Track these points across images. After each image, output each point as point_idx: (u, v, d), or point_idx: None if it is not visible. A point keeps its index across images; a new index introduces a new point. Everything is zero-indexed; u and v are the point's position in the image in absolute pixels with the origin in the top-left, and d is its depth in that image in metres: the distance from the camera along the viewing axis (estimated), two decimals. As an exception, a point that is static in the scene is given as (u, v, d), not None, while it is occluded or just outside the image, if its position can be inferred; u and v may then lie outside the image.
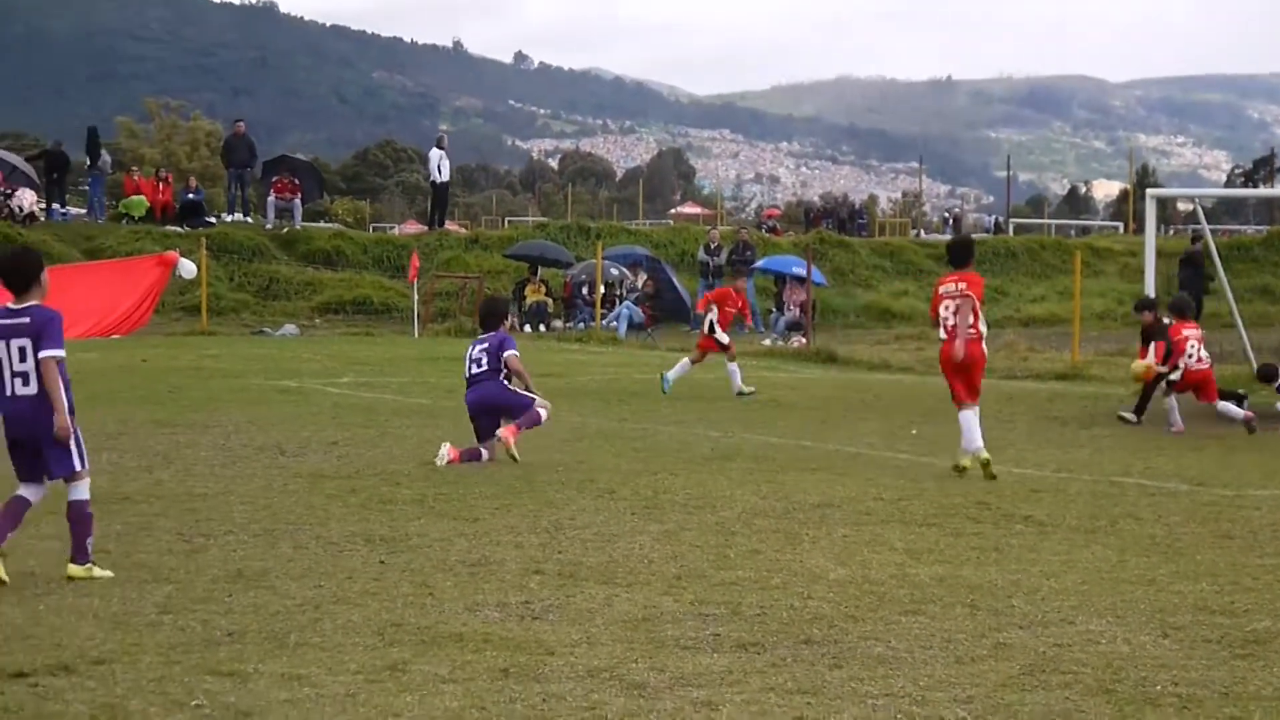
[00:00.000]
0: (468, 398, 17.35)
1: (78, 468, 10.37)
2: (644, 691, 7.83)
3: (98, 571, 10.31)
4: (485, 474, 15.62)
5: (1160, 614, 9.76)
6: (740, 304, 26.90)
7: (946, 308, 16.55)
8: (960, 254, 17.29)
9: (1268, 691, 8.01)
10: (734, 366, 25.79)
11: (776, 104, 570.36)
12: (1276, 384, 23.27)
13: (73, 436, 10.32)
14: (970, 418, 16.46)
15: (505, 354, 17.18)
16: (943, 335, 16.77)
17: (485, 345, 17.32)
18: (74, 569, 10.26)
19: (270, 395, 23.85)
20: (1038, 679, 8.16)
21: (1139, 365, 22.70)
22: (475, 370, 17.25)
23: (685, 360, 26.08)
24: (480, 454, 16.71)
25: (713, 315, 26.35)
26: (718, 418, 22.06)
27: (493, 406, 17.13)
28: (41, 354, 10.14)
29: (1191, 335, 22.25)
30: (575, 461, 16.77)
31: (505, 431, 16.79)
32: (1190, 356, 22.00)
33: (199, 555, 11.14)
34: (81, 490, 10.40)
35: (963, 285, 16.58)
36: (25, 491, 10.42)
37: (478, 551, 11.45)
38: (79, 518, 10.37)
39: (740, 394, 25.16)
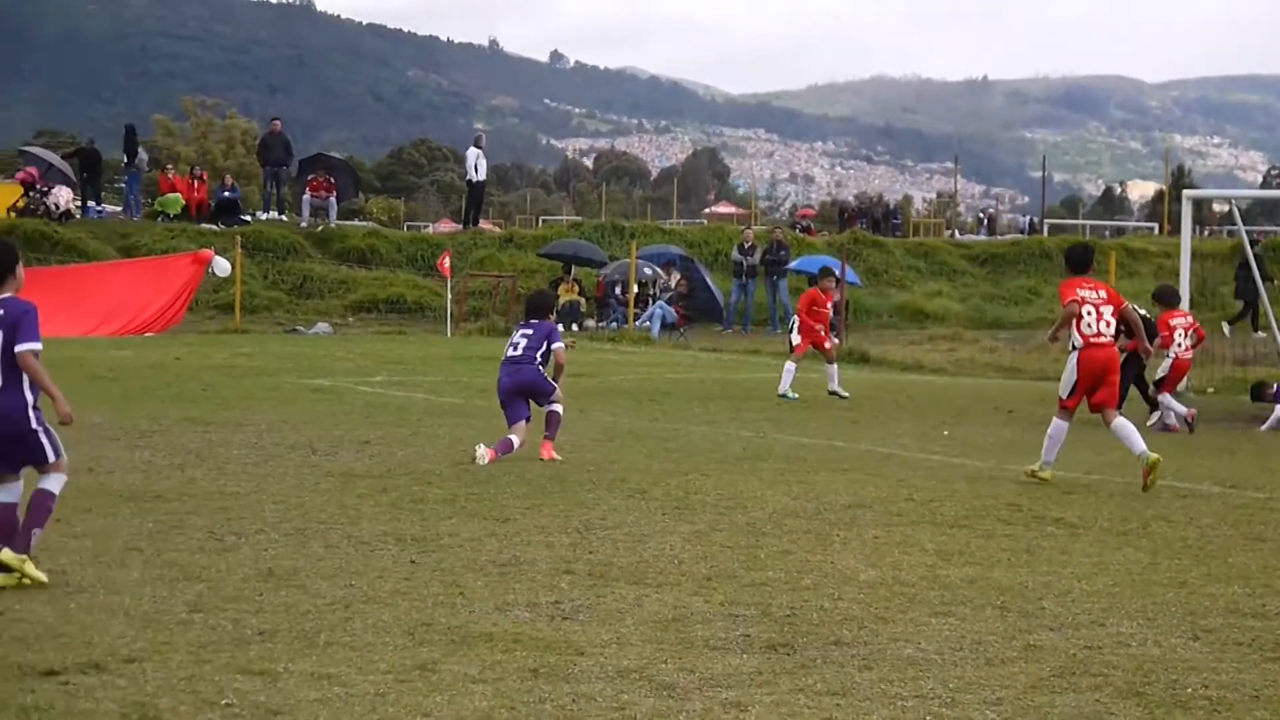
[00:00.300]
0: (504, 381, 17.27)
1: (51, 458, 10.23)
2: (673, 692, 7.83)
3: (31, 569, 9.93)
4: (516, 473, 15.63)
5: (1191, 616, 9.74)
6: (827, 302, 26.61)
7: (1090, 313, 16.08)
8: (1087, 258, 17.13)
9: (1298, 695, 7.99)
10: (833, 368, 25.84)
11: (812, 103, 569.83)
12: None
13: (42, 429, 10.15)
14: (1125, 423, 16.15)
15: (555, 345, 17.19)
16: (1080, 342, 16.12)
17: (530, 332, 17.27)
18: (8, 555, 9.86)
19: (302, 394, 23.89)
20: (1068, 681, 8.15)
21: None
22: (513, 353, 17.18)
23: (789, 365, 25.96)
24: (513, 444, 16.72)
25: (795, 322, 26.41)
26: (750, 418, 22.05)
27: (526, 389, 17.15)
28: (19, 348, 9.92)
29: (1180, 324, 22.36)
30: (606, 461, 16.79)
31: (545, 452, 16.87)
32: (1179, 345, 22.14)
33: (230, 554, 11.15)
34: (52, 483, 10.15)
35: (1103, 293, 16.27)
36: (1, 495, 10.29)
37: (508, 551, 11.46)
38: (39, 507, 10.09)
39: (833, 394, 25.22)
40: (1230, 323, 43.44)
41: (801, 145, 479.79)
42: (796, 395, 25.25)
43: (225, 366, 28.45)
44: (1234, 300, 46.13)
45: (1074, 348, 16.15)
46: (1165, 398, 22.28)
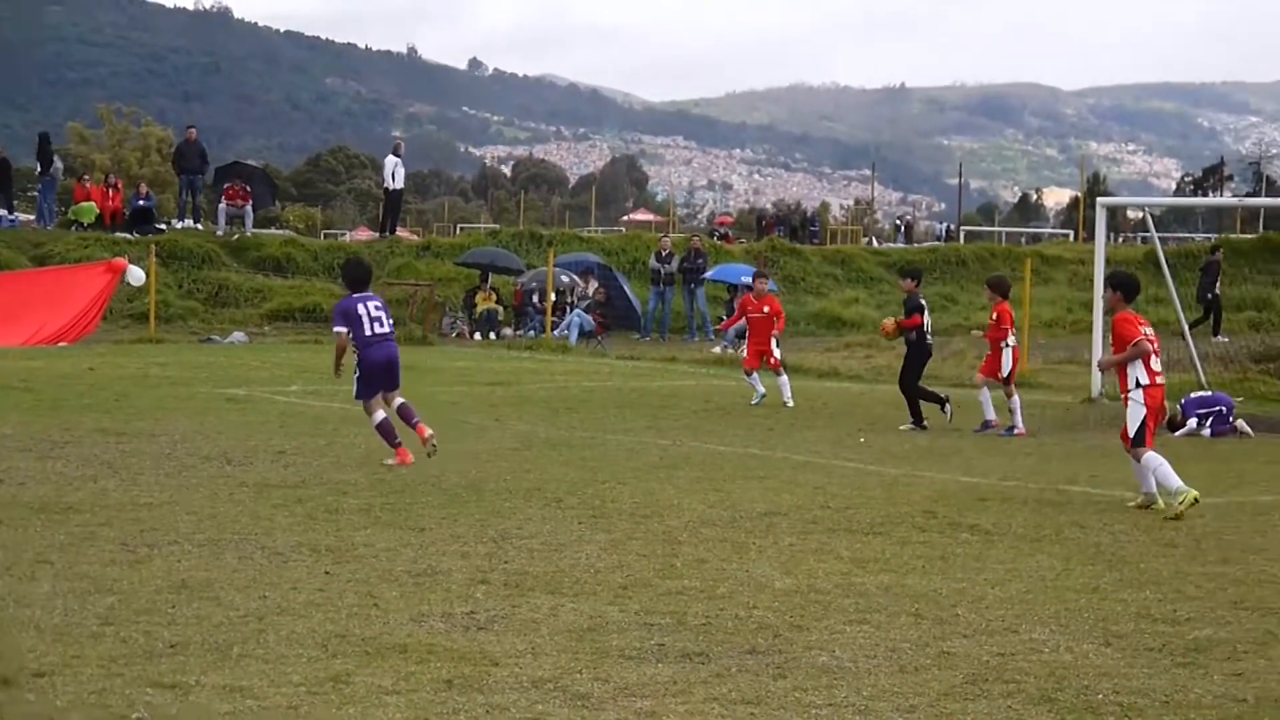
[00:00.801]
0: (380, 355, 17.44)
1: None
2: (588, 702, 7.83)
3: None
4: (432, 483, 15.58)
5: (1103, 622, 9.81)
6: (763, 307, 26.56)
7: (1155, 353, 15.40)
8: (1137, 289, 15.98)
9: (1208, 700, 8.05)
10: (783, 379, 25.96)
11: (730, 111, 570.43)
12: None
13: None
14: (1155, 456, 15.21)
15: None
16: (1148, 381, 15.23)
17: (380, 305, 17.67)
18: None
19: (218, 404, 23.75)
20: (980, 688, 8.19)
21: (888, 323, 23.37)
22: (380, 329, 17.43)
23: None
24: (410, 409, 17.38)
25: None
26: (666, 426, 22.05)
27: (397, 364, 17.61)
28: None
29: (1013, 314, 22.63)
30: (523, 470, 16.76)
31: (422, 434, 17.08)
32: (1015, 335, 22.37)
33: (143, 566, 11.08)
34: None
35: (1151, 330, 15.55)
36: None
37: (424, 561, 11.43)
38: None
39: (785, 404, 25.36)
40: (1191, 327, 43.79)
41: (720, 153, 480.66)
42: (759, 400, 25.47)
43: (139, 376, 28.22)
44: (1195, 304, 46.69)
45: (1139, 385, 15.18)
46: (1015, 398, 22.34)
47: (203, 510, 13.57)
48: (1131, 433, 15.22)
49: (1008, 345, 22.30)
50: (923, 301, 23.47)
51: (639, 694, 7.98)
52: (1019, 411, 22.13)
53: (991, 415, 22.27)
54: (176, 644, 8.83)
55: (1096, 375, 27.15)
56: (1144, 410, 15.15)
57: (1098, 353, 27.44)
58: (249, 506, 13.85)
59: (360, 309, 17.41)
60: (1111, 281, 16.09)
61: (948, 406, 22.86)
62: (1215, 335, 41.86)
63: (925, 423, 22.61)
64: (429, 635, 9.17)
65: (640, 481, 16.01)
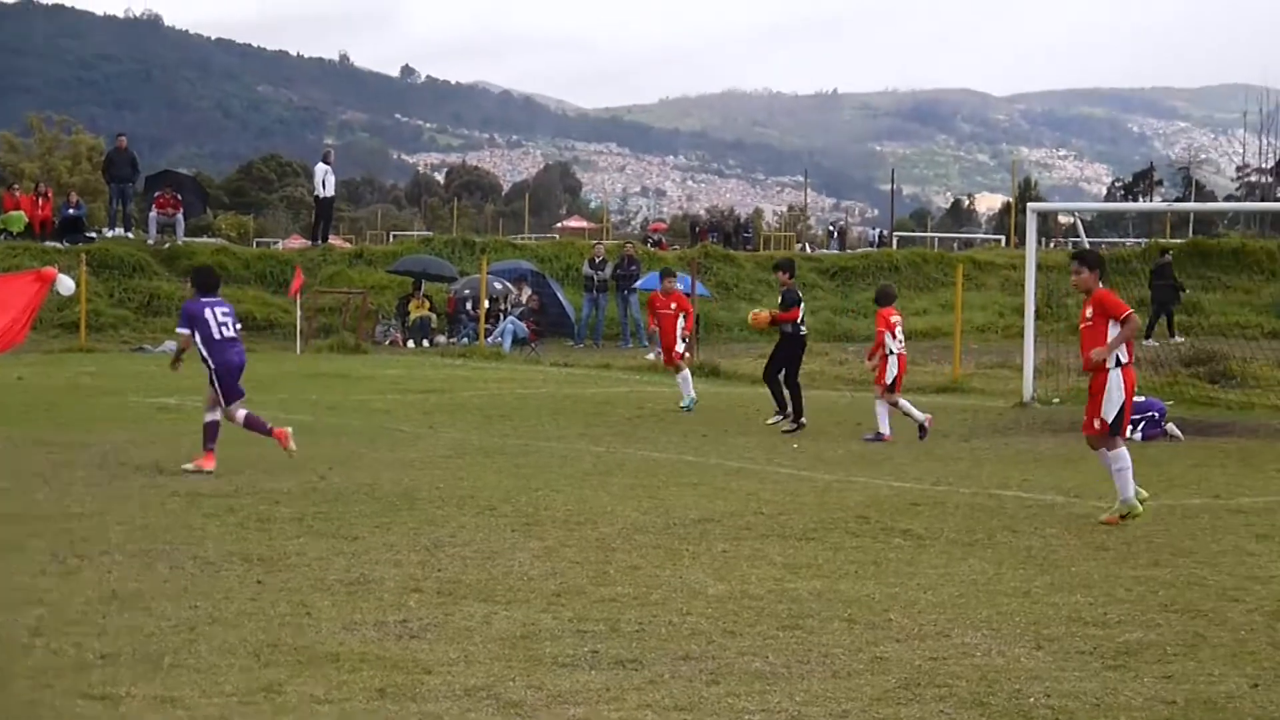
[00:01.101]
0: (233, 357, 17.73)
1: None
2: (520, 710, 7.84)
3: None
4: (366, 491, 15.54)
5: (1035, 626, 9.86)
6: (670, 304, 26.74)
7: None
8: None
9: (1138, 702, 8.11)
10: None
11: (663, 117, 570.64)
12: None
13: None
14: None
15: None
16: (1127, 359, 14.53)
17: (228, 311, 17.97)
18: None
19: (149, 413, 23.66)
20: (913, 693, 8.23)
21: (762, 315, 23.60)
22: (229, 333, 17.73)
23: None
24: (260, 419, 17.66)
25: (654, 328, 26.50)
26: (600, 433, 22.06)
27: (243, 369, 17.89)
28: None
29: (899, 321, 22.64)
30: (456, 478, 16.73)
31: (284, 436, 17.55)
32: (900, 341, 22.36)
33: (73, 576, 11.02)
34: None
35: None
36: None
37: (356, 570, 11.40)
38: None
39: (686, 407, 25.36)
40: (1168, 332, 44.10)
41: (653, 159, 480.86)
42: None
43: (70, 386, 28.08)
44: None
45: (1119, 363, 14.46)
46: (902, 401, 22.43)
47: (134, 520, 13.50)
48: (1110, 417, 14.39)
49: (890, 353, 22.35)
50: (799, 295, 23.99)
51: (572, 701, 7.99)
52: (885, 418, 22.13)
53: (886, 430, 22.21)
54: (107, 655, 8.79)
55: (1029, 380, 27.30)
56: (1124, 394, 14.38)
57: (1030, 358, 27.59)
58: (181, 516, 13.79)
59: (207, 313, 17.66)
60: (1085, 260, 15.03)
61: (782, 418, 23.18)
62: (1171, 336, 42.15)
63: (804, 419, 22.82)
64: (361, 644, 9.15)
65: (574, 489, 16.01)
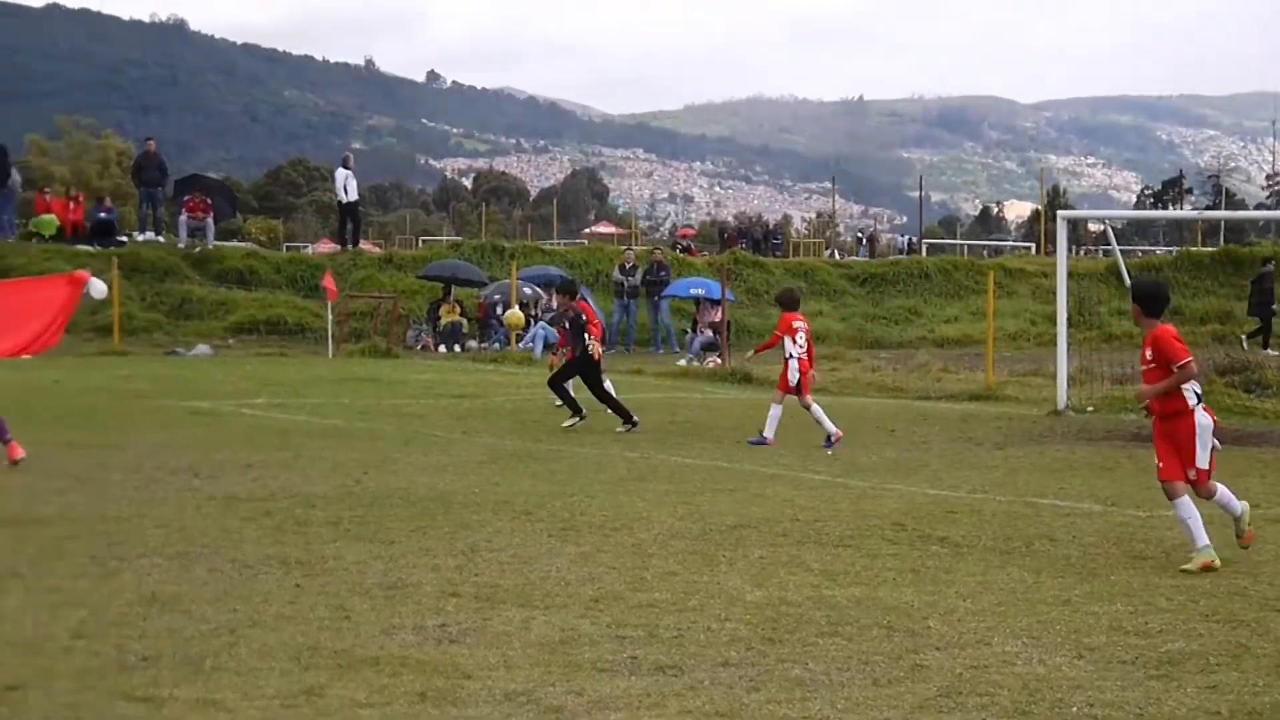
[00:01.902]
0: None
1: None
2: (561, 715, 7.83)
3: None
4: (401, 495, 15.54)
5: (1075, 635, 9.82)
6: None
7: None
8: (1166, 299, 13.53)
9: (1181, 713, 8.07)
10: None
11: (689, 124, 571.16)
12: None
13: None
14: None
15: None
16: (1196, 400, 13.05)
17: None
18: None
19: (183, 417, 23.69)
20: (954, 701, 8.19)
21: (516, 316, 23.73)
22: None
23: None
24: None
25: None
26: (634, 438, 22.04)
27: None
28: None
29: (801, 326, 22.55)
30: (490, 483, 16.73)
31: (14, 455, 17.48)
32: (800, 346, 22.24)
33: (113, 579, 11.03)
34: None
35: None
36: None
37: (394, 574, 11.40)
38: None
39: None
40: (1248, 337, 44.22)
41: (680, 165, 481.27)
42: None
43: (105, 389, 28.15)
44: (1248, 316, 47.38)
45: (1199, 399, 13.03)
46: (815, 408, 22.28)
47: (171, 523, 13.52)
48: (1204, 462, 12.98)
49: (790, 357, 22.28)
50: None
51: (612, 707, 7.97)
52: (774, 422, 21.98)
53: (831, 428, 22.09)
54: (148, 657, 8.79)
55: (1062, 387, 27.21)
56: (1210, 430, 13.02)
57: (1063, 366, 27.52)
58: (217, 519, 13.81)
59: None
60: (1134, 295, 13.49)
61: (578, 422, 23.41)
62: (1265, 349, 42.08)
63: (635, 419, 23.09)
64: (401, 648, 9.15)
65: (609, 494, 15.99)
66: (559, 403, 24.17)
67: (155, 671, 8.48)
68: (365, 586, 10.93)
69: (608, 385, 24.06)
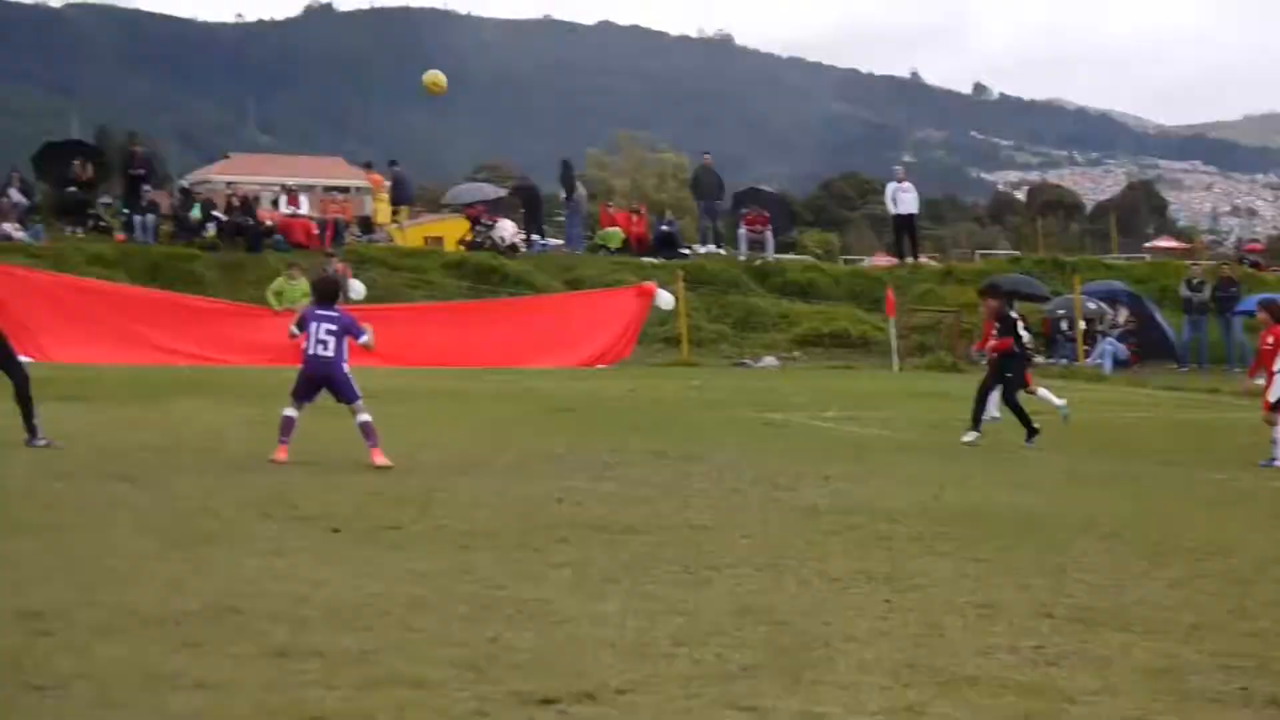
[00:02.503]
0: (307, 368, 17.99)
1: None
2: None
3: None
4: (981, 512, 15.38)
5: None
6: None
7: None
8: None
9: None
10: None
11: (1249, 134, 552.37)
12: None
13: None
14: None
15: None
16: None
17: (331, 329, 17.96)
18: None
19: (757, 428, 23.96)
20: None
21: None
22: (321, 351, 17.86)
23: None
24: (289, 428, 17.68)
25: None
26: (1217, 459, 21.35)
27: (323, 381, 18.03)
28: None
29: None
30: (1072, 502, 16.46)
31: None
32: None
33: (705, 588, 11.16)
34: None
35: None
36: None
37: (983, 593, 11.24)
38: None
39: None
40: None
41: (1241, 177, 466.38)
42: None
43: (678, 399, 28.73)
44: None
45: None
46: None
47: (756, 534, 13.64)
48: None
49: (1277, 372, 20.95)
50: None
51: (1232, 739, 7.70)
52: None
53: None
54: (748, 667, 8.83)
55: None
56: None
57: None
58: (801, 532, 13.87)
59: (312, 324, 17.99)
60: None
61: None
62: None
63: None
64: (999, 668, 8.99)
65: (1198, 516, 15.53)
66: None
67: (755, 681, 8.51)
68: (956, 604, 10.80)
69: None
